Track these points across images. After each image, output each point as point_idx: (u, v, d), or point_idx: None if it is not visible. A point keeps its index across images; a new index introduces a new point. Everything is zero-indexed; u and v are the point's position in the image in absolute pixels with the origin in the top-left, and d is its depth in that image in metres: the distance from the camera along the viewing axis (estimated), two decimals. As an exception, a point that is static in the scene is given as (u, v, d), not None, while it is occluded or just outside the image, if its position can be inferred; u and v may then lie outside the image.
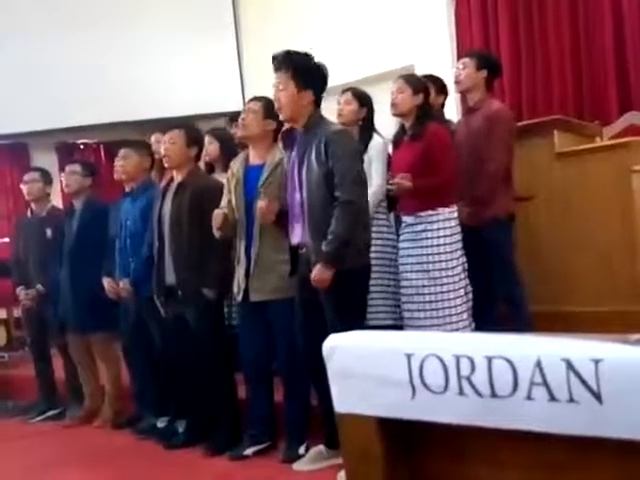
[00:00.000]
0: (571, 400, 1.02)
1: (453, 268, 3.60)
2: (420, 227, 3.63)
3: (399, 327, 3.70)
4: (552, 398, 1.04)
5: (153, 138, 4.84)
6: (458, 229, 3.65)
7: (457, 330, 3.54)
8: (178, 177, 4.04)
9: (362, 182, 3.23)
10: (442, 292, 3.56)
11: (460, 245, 3.65)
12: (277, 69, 3.24)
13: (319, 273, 3.08)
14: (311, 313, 3.22)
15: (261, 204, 3.39)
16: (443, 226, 3.60)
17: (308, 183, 3.17)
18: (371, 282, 3.39)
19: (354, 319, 3.06)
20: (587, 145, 4.32)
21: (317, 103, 3.29)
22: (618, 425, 0.99)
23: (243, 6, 8.17)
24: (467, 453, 1.19)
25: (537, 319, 3.76)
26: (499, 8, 5.97)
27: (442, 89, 4.36)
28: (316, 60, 3.26)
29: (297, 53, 3.26)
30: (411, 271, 3.65)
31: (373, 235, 3.49)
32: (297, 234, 3.27)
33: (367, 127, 3.93)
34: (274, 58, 3.26)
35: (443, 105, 4.41)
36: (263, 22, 7.78)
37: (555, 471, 1.11)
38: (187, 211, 3.91)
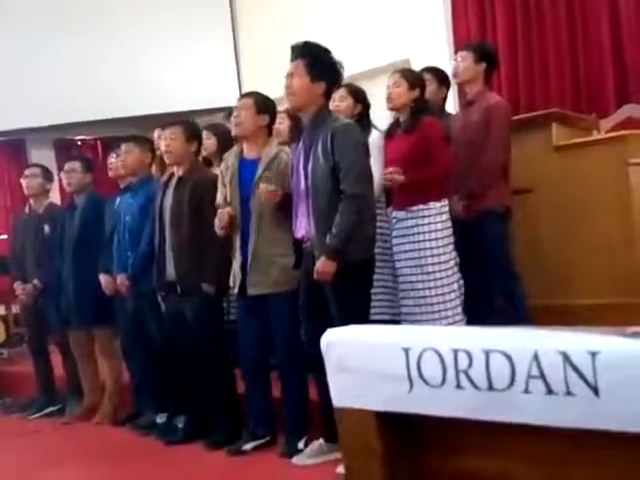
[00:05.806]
0: (568, 393, 1.02)
1: (446, 262, 3.60)
2: (411, 222, 3.63)
3: (397, 322, 3.71)
4: (549, 391, 1.04)
5: (156, 134, 4.82)
6: (449, 223, 3.65)
7: (453, 324, 3.55)
8: (179, 172, 4.04)
9: (367, 176, 3.23)
10: (436, 287, 3.56)
11: (452, 239, 3.64)
12: (294, 58, 3.25)
13: (322, 266, 3.08)
14: (316, 304, 3.22)
15: (263, 187, 3.41)
16: (434, 220, 3.60)
17: (313, 176, 3.17)
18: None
19: (358, 313, 3.07)
20: (585, 138, 4.31)
21: (327, 97, 3.31)
22: (615, 418, 1.00)
23: (239, 1, 8.16)
24: (465, 446, 1.20)
25: (534, 312, 3.76)
26: (496, 0, 5.95)
27: (444, 81, 4.27)
28: (334, 56, 3.26)
29: (316, 45, 3.27)
30: (405, 267, 3.65)
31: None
32: (302, 227, 3.27)
33: (363, 122, 3.92)
34: (293, 48, 3.27)
35: (445, 98, 4.34)
36: (259, 17, 7.77)
37: (552, 463, 1.11)
38: (187, 205, 3.91)
